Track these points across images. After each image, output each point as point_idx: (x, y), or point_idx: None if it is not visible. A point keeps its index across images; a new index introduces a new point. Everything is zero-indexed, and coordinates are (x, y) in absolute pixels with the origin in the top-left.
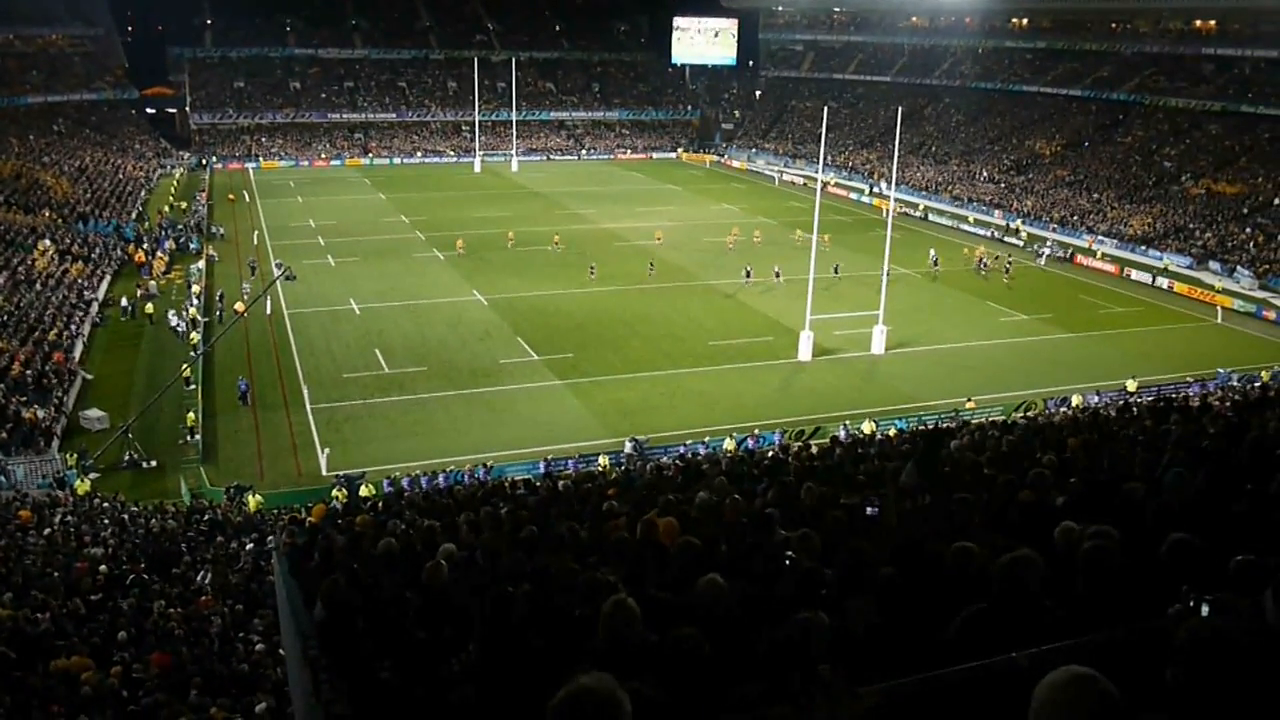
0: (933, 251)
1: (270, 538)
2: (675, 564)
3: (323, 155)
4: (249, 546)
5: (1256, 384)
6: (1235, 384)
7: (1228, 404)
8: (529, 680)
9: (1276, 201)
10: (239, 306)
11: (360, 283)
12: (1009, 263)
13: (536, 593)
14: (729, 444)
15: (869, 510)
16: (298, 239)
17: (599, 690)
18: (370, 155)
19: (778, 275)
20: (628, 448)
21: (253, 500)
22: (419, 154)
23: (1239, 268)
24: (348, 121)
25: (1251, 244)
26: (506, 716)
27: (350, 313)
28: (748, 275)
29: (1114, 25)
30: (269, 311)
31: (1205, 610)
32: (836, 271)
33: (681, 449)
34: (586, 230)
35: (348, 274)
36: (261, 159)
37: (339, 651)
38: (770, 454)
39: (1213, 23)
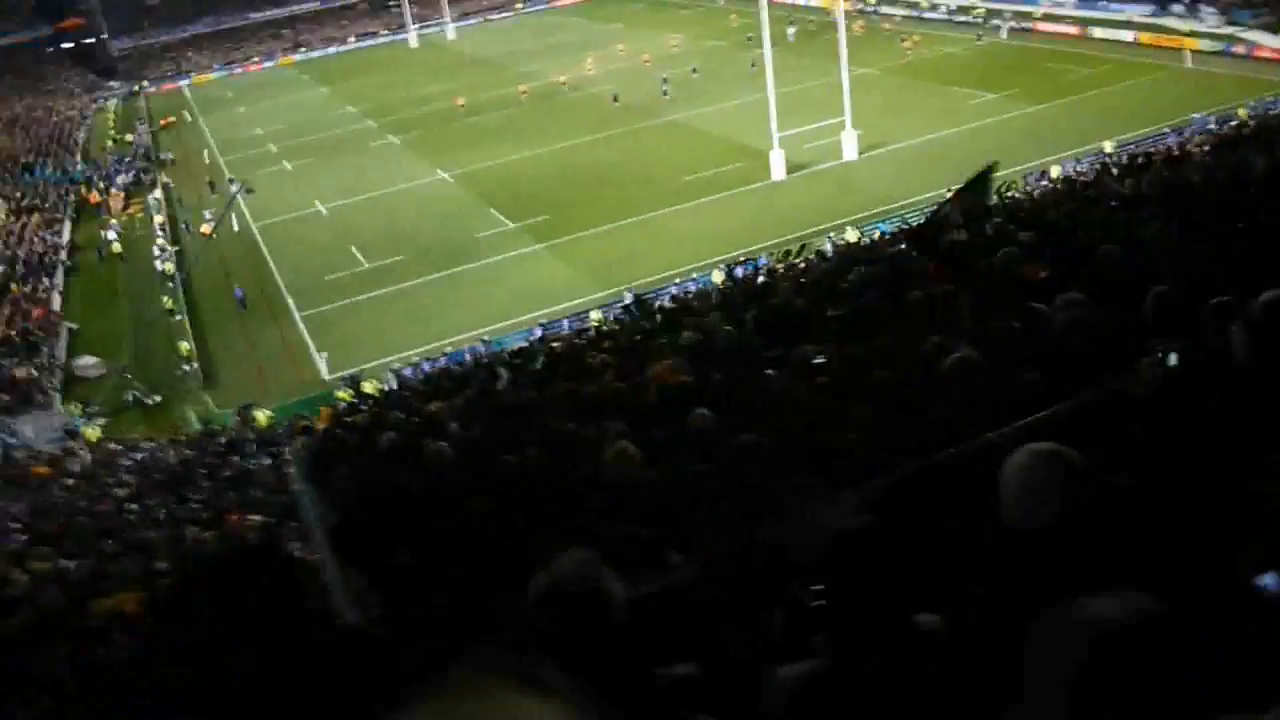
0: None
1: (286, 449)
2: (669, 404)
3: (254, 59)
4: (267, 461)
5: (1233, 123)
6: (1213, 127)
7: (1206, 148)
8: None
9: None
10: (205, 229)
11: (321, 182)
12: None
13: (540, 456)
14: (717, 276)
15: (815, 360)
16: (249, 150)
17: (582, 579)
18: (302, 49)
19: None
20: (628, 298)
21: (262, 416)
22: (351, 39)
23: (1202, 5)
24: (272, 18)
25: None
26: (508, 580)
27: (317, 215)
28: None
29: None
30: (236, 228)
31: (1174, 359)
32: (754, 67)
33: (673, 289)
34: (538, 86)
35: (307, 176)
36: (193, 74)
37: (357, 548)
38: (759, 279)
39: None
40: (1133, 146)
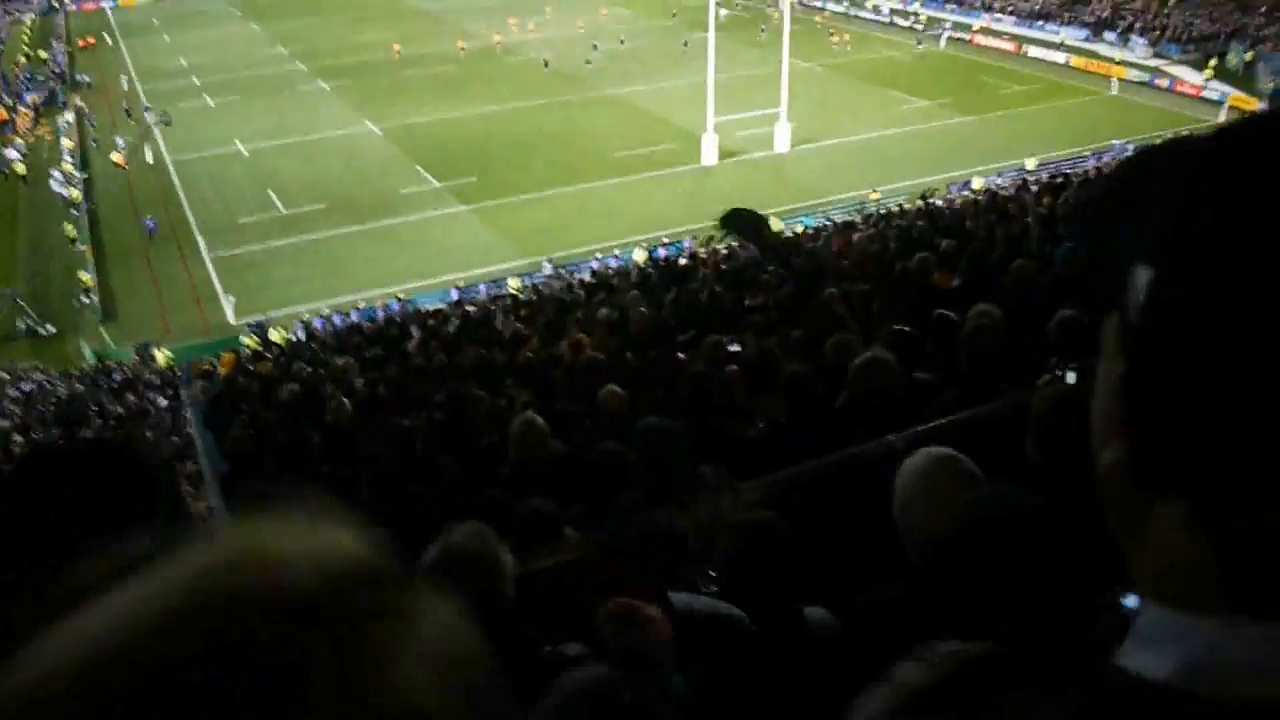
0: None
1: (184, 391)
2: (582, 379)
3: None
4: (163, 402)
5: None
6: (1130, 154)
7: None
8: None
9: None
10: (117, 158)
11: (244, 122)
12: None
13: (446, 421)
14: (639, 255)
15: (730, 348)
16: (170, 81)
17: (474, 550)
18: None
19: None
20: (547, 269)
21: (161, 355)
22: None
23: (1133, 36)
24: None
25: (1146, 11)
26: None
27: (238, 155)
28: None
29: None
30: (150, 161)
31: (1071, 377)
32: (686, 45)
33: (593, 264)
34: (476, 47)
35: (229, 114)
36: None
37: (249, 498)
38: (682, 262)
39: None
40: (1054, 166)
